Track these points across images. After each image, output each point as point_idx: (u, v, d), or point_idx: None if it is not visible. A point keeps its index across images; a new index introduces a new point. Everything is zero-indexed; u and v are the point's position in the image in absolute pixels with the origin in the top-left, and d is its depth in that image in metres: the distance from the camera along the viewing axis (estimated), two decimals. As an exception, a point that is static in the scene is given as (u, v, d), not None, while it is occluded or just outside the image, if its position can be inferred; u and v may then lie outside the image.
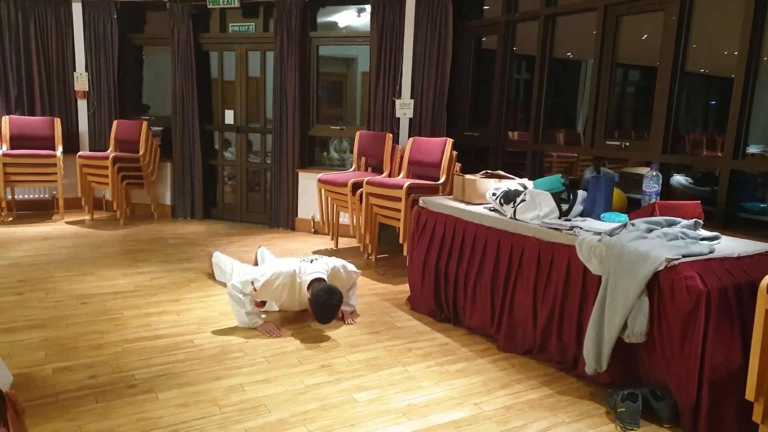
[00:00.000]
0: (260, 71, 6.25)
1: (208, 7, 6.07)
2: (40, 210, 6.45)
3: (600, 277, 2.65)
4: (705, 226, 2.93)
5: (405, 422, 2.41)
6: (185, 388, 2.64)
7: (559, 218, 3.12)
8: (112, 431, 2.28)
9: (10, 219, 6.00)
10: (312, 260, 3.43)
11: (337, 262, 3.48)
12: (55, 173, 5.91)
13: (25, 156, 5.80)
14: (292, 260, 3.46)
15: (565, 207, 3.19)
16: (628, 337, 2.52)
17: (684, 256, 2.46)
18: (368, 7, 5.60)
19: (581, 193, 3.24)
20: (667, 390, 2.49)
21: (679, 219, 2.85)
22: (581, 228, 2.87)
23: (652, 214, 2.92)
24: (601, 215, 3.14)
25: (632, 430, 2.40)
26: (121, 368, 2.81)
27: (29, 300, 3.68)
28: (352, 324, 3.48)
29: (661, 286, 2.45)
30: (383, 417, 2.45)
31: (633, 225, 2.73)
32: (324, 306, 3.16)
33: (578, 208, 3.21)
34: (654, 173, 3.25)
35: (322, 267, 3.37)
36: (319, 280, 3.28)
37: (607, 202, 3.20)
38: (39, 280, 4.07)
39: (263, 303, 3.55)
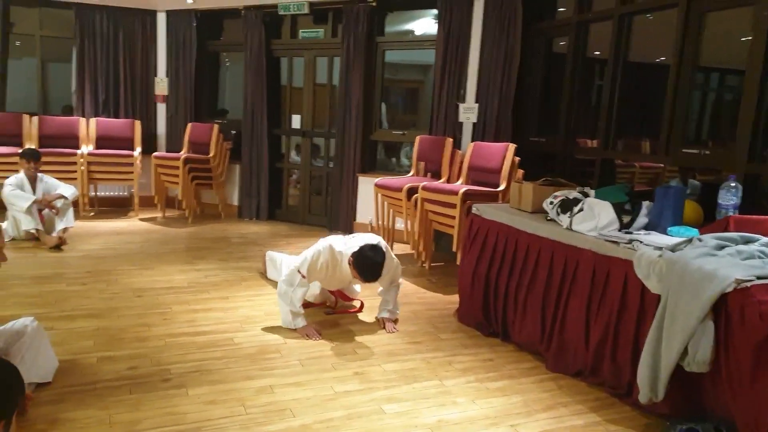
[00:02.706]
0: (327, 77, 6.29)
1: (279, 14, 6.19)
2: (119, 207, 6.78)
3: (659, 296, 2.40)
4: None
5: (432, 439, 2.27)
6: (216, 385, 2.62)
7: (620, 230, 2.87)
8: (139, 423, 2.28)
9: (92, 214, 6.34)
10: (352, 237, 3.37)
11: (382, 242, 3.32)
12: (132, 172, 6.20)
13: (106, 156, 6.14)
14: (326, 238, 3.41)
15: (626, 219, 2.93)
16: (688, 365, 2.25)
17: (759, 278, 2.16)
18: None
19: (646, 204, 2.97)
20: (734, 427, 2.19)
21: (758, 236, 2.53)
22: (641, 242, 2.62)
23: (725, 230, 2.62)
24: (668, 229, 2.86)
25: (688, 469, 2.14)
26: (160, 362, 2.83)
27: (90, 290, 3.83)
28: (392, 332, 3.36)
29: (729, 310, 2.17)
30: (409, 431, 2.31)
31: (700, 240, 2.45)
32: (369, 260, 3.08)
33: (642, 220, 2.94)
34: (732, 184, 2.93)
35: (364, 242, 3.27)
36: None
37: (676, 215, 2.91)
38: (103, 272, 4.24)
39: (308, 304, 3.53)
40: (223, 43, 7.00)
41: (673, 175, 4.42)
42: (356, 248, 3.16)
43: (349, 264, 3.17)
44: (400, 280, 3.55)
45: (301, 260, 3.30)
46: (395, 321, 3.50)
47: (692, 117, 4.27)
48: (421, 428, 2.34)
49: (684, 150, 3.82)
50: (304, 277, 3.23)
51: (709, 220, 3.08)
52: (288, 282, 3.25)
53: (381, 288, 3.49)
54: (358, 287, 3.85)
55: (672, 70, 3.84)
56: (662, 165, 4.45)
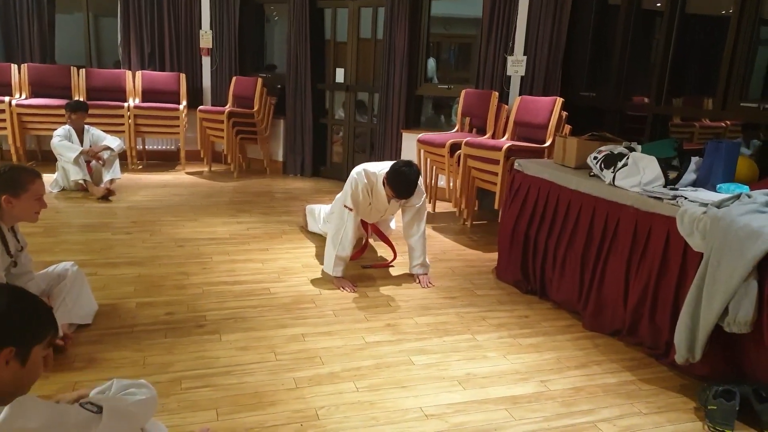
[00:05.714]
0: (371, 31, 6.16)
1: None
2: (166, 160, 6.93)
3: (701, 255, 2.28)
4: None
5: (458, 391, 2.26)
6: (249, 332, 2.68)
7: (665, 186, 2.73)
8: (171, 365, 2.36)
9: (141, 167, 6.50)
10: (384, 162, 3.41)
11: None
12: (178, 126, 6.31)
13: (152, 109, 6.24)
14: (357, 166, 3.45)
15: (673, 175, 2.79)
16: (728, 325, 2.15)
17: (812, 237, 2.03)
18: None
19: (695, 160, 2.81)
20: (775, 392, 2.10)
21: (816, 194, 2.36)
22: (685, 198, 2.49)
23: (779, 186, 2.45)
24: (718, 186, 2.70)
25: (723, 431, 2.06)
26: (196, 309, 2.91)
27: (135, 239, 3.95)
28: (427, 287, 3.34)
29: (776, 269, 2.05)
30: (437, 383, 2.31)
31: (749, 197, 2.30)
32: (403, 175, 3.08)
33: (690, 176, 2.79)
34: (793, 139, 2.73)
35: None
36: None
37: (726, 172, 2.74)
38: (148, 222, 4.37)
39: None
40: (267, -7, 6.93)
41: (736, 136, 4.16)
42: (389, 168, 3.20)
43: (383, 184, 3.20)
44: (425, 226, 3.44)
45: (342, 196, 3.36)
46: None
47: (760, 73, 3.98)
48: (449, 380, 2.34)
49: (743, 104, 3.59)
50: (351, 210, 3.27)
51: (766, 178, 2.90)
52: (337, 225, 3.29)
53: (406, 219, 3.41)
54: (393, 224, 3.91)
55: (732, 18, 3.58)
56: (723, 124, 4.20)
